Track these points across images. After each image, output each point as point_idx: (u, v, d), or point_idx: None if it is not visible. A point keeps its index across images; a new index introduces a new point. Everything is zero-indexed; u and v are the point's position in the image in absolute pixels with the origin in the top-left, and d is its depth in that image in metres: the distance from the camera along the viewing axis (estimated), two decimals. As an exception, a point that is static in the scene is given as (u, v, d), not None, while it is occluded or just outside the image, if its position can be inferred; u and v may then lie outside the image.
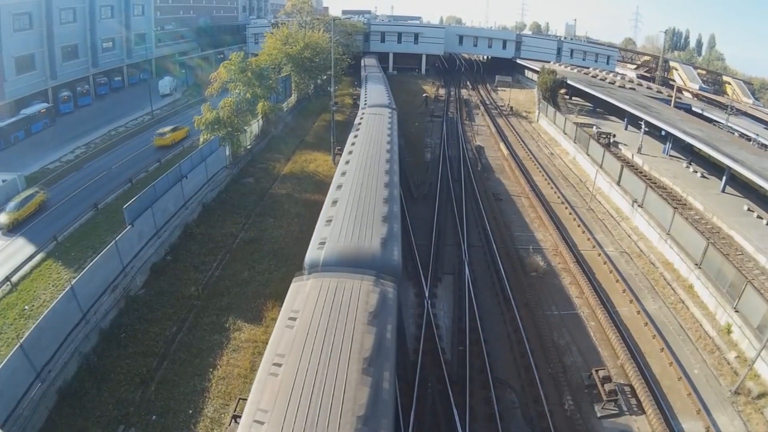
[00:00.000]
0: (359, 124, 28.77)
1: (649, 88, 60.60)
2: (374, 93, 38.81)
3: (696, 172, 34.23)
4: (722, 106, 52.60)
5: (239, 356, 16.42)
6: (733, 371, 16.62)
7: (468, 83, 71.70)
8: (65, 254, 22.19)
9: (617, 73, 72.71)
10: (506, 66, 78.16)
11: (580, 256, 23.60)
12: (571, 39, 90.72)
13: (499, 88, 67.74)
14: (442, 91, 63.47)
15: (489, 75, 77.26)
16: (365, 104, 34.28)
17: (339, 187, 17.95)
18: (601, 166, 33.28)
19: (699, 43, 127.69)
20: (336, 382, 8.55)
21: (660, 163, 36.06)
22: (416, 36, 75.84)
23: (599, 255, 23.98)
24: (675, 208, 25.46)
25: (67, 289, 15.52)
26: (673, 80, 74.58)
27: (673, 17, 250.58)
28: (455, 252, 23.41)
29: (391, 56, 75.27)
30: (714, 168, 33.88)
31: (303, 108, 50.89)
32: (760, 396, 15.47)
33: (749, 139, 40.83)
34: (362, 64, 61.50)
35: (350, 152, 22.63)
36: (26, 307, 18.51)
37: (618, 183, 30.49)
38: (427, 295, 19.44)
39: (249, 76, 35.05)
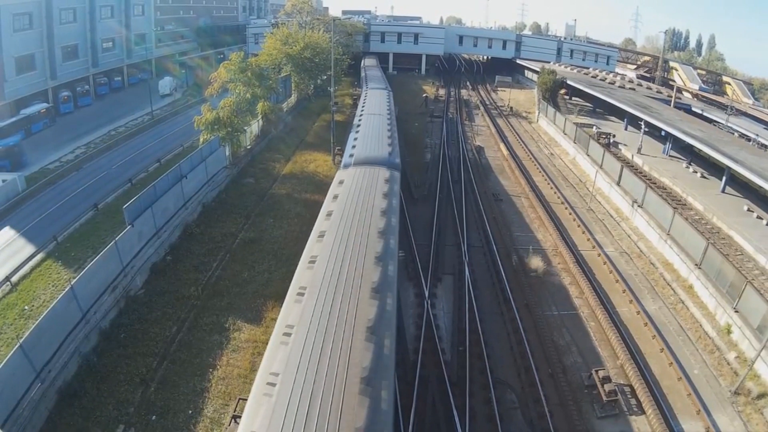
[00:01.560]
0: (336, 197, 17.21)
1: (648, 88, 60.61)
2: (368, 136, 24.93)
3: (696, 172, 34.24)
4: (722, 107, 52.64)
5: (239, 356, 16.41)
6: (733, 371, 16.63)
7: (468, 83, 71.70)
8: (65, 254, 22.17)
9: (617, 73, 72.73)
10: (506, 66, 78.18)
11: (580, 256, 23.61)
12: (571, 39, 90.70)
13: (499, 89, 67.76)
14: (442, 92, 63.44)
15: (489, 75, 77.28)
16: (351, 157, 21.45)
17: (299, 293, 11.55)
18: (600, 167, 33.29)
19: (699, 44, 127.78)
20: None
21: (660, 163, 36.06)
22: (416, 36, 75.87)
23: (599, 255, 23.99)
24: (675, 208, 25.47)
25: (67, 289, 15.49)
26: (673, 80, 74.62)
27: (673, 17, 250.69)
28: (455, 252, 23.40)
29: (391, 56, 75.28)
30: (714, 168, 33.90)
31: (303, 108, 50.88)
32: (760, 396, 15.47)
33: (749, 139, 40.84)
34: (362, 64, 61.11)
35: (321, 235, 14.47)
36: (26, 307, 18.50)
37: (618, 183, 30.49)
38: (427, 295, 19.44)
39: (249, 76, 35.04)
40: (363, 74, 53.87)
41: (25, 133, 38.17)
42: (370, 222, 14.75)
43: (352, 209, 15.71)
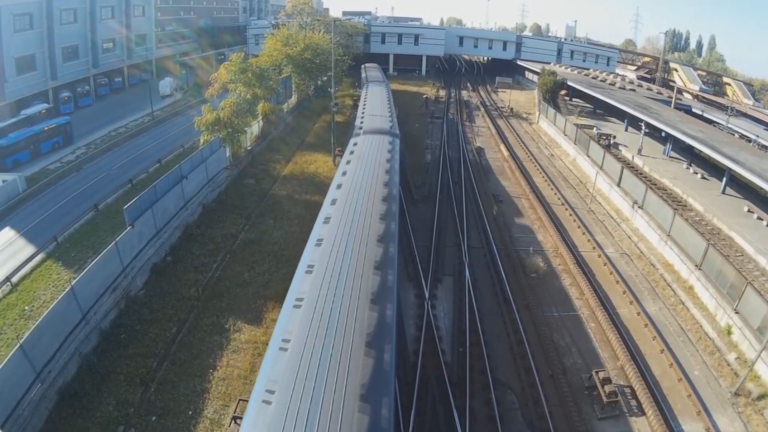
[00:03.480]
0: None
1: (649, 89, 60.63)
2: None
3: (696, 173, 34.24)
4: (722, 108, 52.64)
5: (239, 357, 16.41)
6: (734, 372, 16.62)
7: (468, 84, 71.76)
8: (65, 255, 22.16)
9: (617, 74, 72.76)
10: (506, 67, 78.29)
11: (580, 257, 23.61)
12: (572, 40, 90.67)
13: (499, 90, 67.83)
14: (442, 93, 63.47)
15: (489, 76, 77.40)
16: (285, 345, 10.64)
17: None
18: (601, 168, 33.29)
19: (699, 45, 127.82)
20: None
21: (660, 164, 36.07)
22: (416, 37, 75.92)
23: (599, 256, 23.99)
24: (675, 209, 25.47)
25: (67, 290, 15.50)
26: (674, 81, 74.63)
27: (673, 18, 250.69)
28: (455, 253, 23.40)
29: (391, 57, 75.37)
30: (714, 169, 33.89)
31: (303, 109, 50.89)
32: (761, 397, 15.47)
33: (749, 140, 40.83)
34: (363, 66, 59.37)
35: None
36: (26, 308, 18.49)
37: (618, 184, 30.49)
38: (427, 296, 19.43)
39: (249, 76, 35.02)
40: (363, 75, 53.21)
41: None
42: None
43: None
